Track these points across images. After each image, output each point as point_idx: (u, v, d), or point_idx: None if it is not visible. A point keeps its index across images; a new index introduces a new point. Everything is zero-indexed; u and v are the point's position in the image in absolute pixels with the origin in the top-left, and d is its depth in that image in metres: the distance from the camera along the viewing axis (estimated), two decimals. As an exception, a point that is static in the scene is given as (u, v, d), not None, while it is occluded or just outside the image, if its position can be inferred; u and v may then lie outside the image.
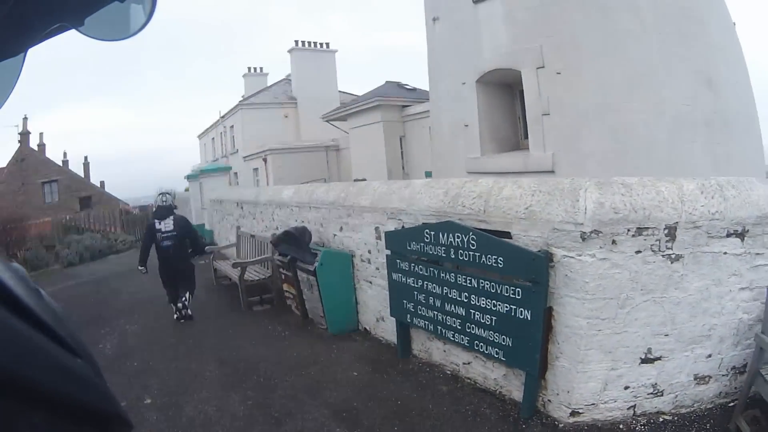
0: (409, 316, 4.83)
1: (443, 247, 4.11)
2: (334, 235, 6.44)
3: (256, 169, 25.16)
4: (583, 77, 7.14)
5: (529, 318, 3.49)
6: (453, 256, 4.02)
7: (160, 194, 7.44)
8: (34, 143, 30.53)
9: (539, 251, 3.44)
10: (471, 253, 3.81)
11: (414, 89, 18.92)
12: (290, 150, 22.87)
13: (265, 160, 23.35)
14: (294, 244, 6.37)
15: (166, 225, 7.27)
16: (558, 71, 7.23)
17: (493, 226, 3.81)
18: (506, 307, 3.64)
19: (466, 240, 3.84)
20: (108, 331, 7.34)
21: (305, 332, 6.40)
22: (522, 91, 7.98)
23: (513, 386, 3.98)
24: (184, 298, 7.35)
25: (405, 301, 4.84)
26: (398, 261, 4.82)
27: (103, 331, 7.31)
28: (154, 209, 8.79)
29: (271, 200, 8.78)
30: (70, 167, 37.72)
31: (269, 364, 5.44)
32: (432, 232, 4.25)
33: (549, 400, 3.67)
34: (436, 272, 4.33)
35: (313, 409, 4.31)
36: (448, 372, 4.69)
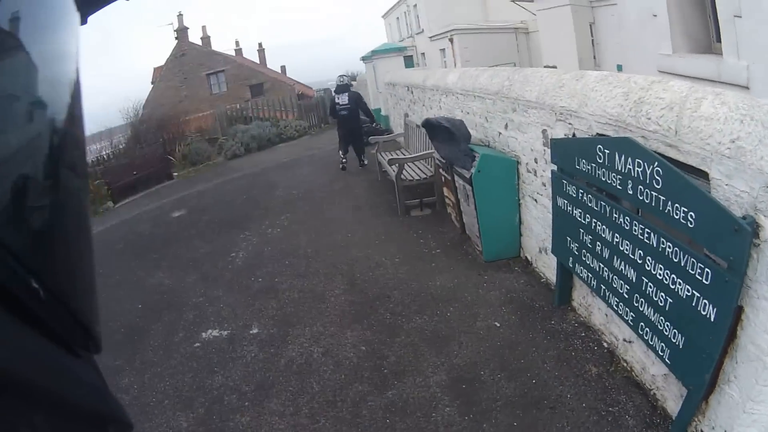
0: (571, 259, 3.77)
1: (619, 176, 2.90)
2: (499, 133, 5.39)
3: (443, 50, 24.95)
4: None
5: (712, 317, 2.29)
6: (631, 192, 2.80)
7: (339, 76, 11.20)
8: (196, 38, 31.81)
9: (744, 217, 2.16)
10: (654, 193, 2.58)
11: None
12: (477, 30, 22.49)
13: (451, 40, 23.13)
14: (447, 141, 5.52)
15: (342, 99, 10.56)
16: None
17: (687, 159, 2.51)
18: (687, 290, 2.44)
19: (648, 172, 2.61)
20: (247, 236, 7.50)
21: (459, 252, 5.68)
22: None
23: (671, 393, 2.88)
24: (362, 160, 10.74)
25: (569, 239, 3.75)
26: (564, 182, 3.68)
27: (242, 236, 7.52)
28: (335, 87, 11.32)
29: (437, 85, 7.80)
30: (245, 55, 39.88)
31: (405, 293, 4.91)
32: (606, 151, 3.02)
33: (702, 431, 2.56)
34: (608, 209, 3.14)
35: (431, 371, 3.69)
36: (605, 345, 3.66)
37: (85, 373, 0.62)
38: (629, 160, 2.78)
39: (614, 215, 3.07)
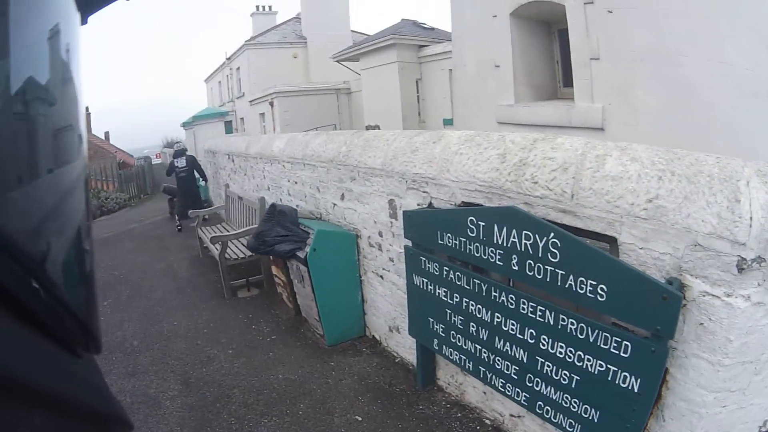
0: (436, 341, 3.48)
1: (499, 250, 2.69)
2: (334, 204, 5.11)
3: (262, 114, 25.04)
4: (638, 15, 6.07)
5: (636, 389, 2.15)
6: (515, 267, 2.60)
7: (176, 143, 12.93)
8: None
9: (670, 282, 2.07)
10: (549, 268, 2.39)
11: (432, 29, 18.29)
12: (298, 93, 22.66)
13: (271, 104, 23.12)
14: (276, 224, 5.13)
15: (181, 162, 11.58)
16: (609, 9, 6.26)
17: (588, 225, 2.40)
18: (600, 365, 2.30)
19: (541, 244, 2.44)
20: None
21: (297, 337, 5.19)
22: (560, 30, 7.48)
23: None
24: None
25: (431, 320, 3.47)
26: (423, 259, 3.41)
27: None
28: (173, 153, 12.60)
29: (261, 153, 7.42)
30: None
31: (246, 391, 4.27)
32: (481, 223, 2.82)
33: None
34: (485, 288, 2.93)
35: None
36: (488, 421, 3.43)
37: (85, 373, 0.64)
38: (513, 232, 2.59)
39: (493, 294, 2.85)
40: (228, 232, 7.70)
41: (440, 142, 3.57)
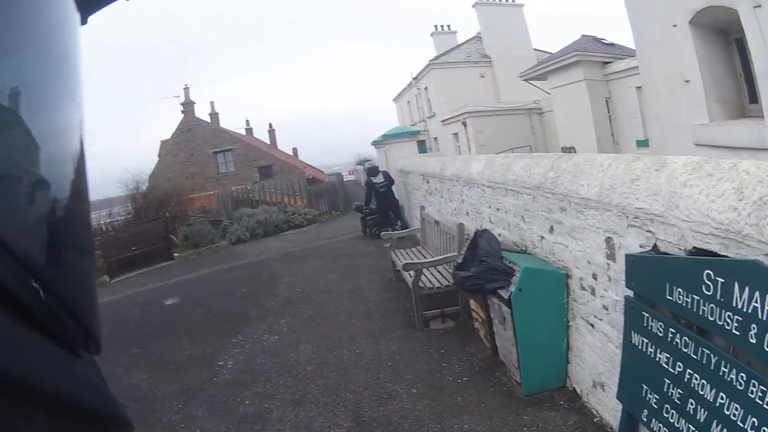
0: (646, 412, 2.95)
1: (737, 315, 2.14)
2: (541, 237, 4.70)
3: (455, 134, 25.85)
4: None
5: None
6: (753, 340, 2.00)
7: (366, 161, 14.75)
8: (204, 113, 32.39)
9: None
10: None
11: (612, 44, 18.18)
12: (491, 112, 23.32)
13: (464, 123, 23.87)
14: (477, 256, 4.86)
15: (379, 178, 13.17)
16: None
17: None
18: None
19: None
20: (240, 341, 6.94)
21: (490, 381, 4.86)
22: (737, 39, 7.23)
23: None
24: (397, 225, 12.50)
25: (645, 387, 2.96)
26: (646, 315, 2.91)
27: (235, 340, 6.98)
28: (366, 169, 14.22)
29: (458, 175, 7.25)
30: (256, 134, 40.71)
31: (423, 440, 4.06)
32: (719, 279, 2.27)
33: None
34: (713, 359, 2.37)
35: None
36: None
37: (85, 373, 0.65)
38: (756, 294, 2.03)
39: (722, 368, 2.29)
40: (423, 257, 7.64)
41: (664, 170, 3.00)
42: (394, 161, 14.29)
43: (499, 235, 5.50)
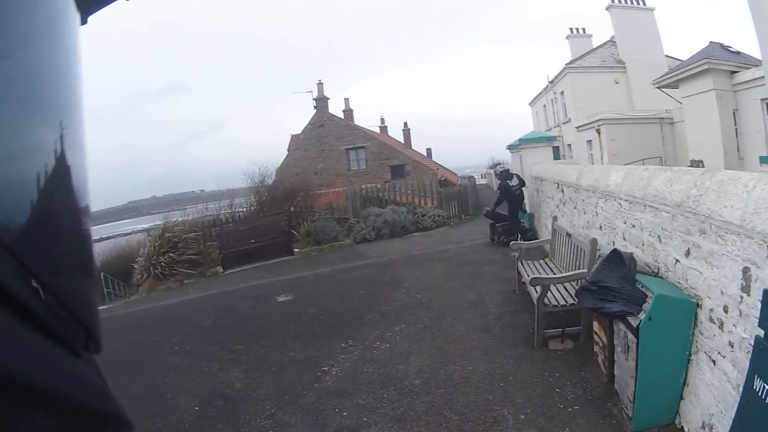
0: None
1: None
2: (676, 261, 4.30)
3: (589, 141, 25.77)
4: None
5: None
6: None
7: (498, 165, 14.33)
8: (337, 109, 32.98)
9: None
10: None
11: (738, 52, 17.55)
12: (624, 121, 23.29)
13: (598, 131, 23.85)
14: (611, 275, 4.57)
15: (513, 181, 12.97)
16: None
17: None
18: None
19: None
20: (350, 346, 6.97)
21: (601, 413, 4.56)
22: None
23: None
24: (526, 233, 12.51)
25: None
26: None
27: (344, 345, 7.03)
28: (498, 173, 13.81)
29: (594, 186, 6.84)
30: (390, 134, 40.94)
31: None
32: None
33: None
34: None
35: None
36: None
37: (85, 373, 0.66)
38: None
39: None
40: (550, 271, 7.38)
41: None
42: (529, 167, 13.94)
43: (632, 253, 5.13)
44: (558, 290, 6.46)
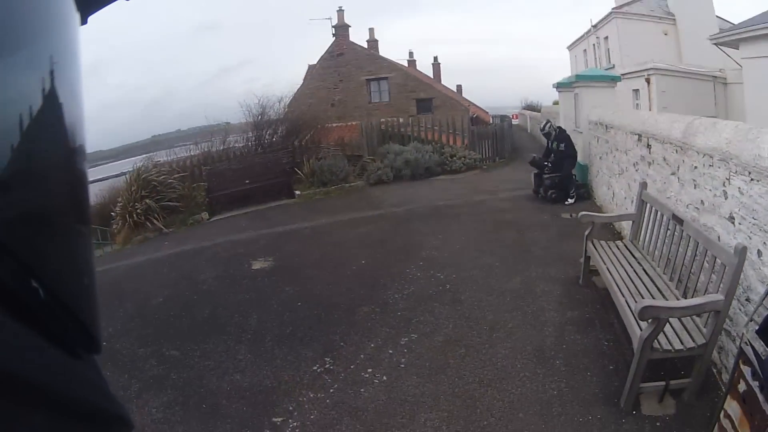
0: None
1: None
2: None
3: (636, 91, 24.84)
4: None
5: None
6: None
7: (547, 123, 11.60)
8: (361, 39, 29.78)
9: None
10: None
11: None
12: (676, 73, 22.53)
13: (648, 80, 23.00)
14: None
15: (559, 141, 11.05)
16: None
17: None
18: None
19: None
20: (327, 370, 4.85)
21: None
22: None
23: None
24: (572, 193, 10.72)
25: None
26: None
27: (319, 369, 4.89)
28: (544, 133, 11.57)
29: (727, 152, 4.13)
30: (419, 68, 38.23)
31: None
32: None
33: None
34: None
35: None
36: None
37: (85, 373, 0.65)
38: None
39: None
40: (638, 266, 5.00)
41: None
42: (587, 110, 11.35)
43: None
44: (671, 324, 3.90)
